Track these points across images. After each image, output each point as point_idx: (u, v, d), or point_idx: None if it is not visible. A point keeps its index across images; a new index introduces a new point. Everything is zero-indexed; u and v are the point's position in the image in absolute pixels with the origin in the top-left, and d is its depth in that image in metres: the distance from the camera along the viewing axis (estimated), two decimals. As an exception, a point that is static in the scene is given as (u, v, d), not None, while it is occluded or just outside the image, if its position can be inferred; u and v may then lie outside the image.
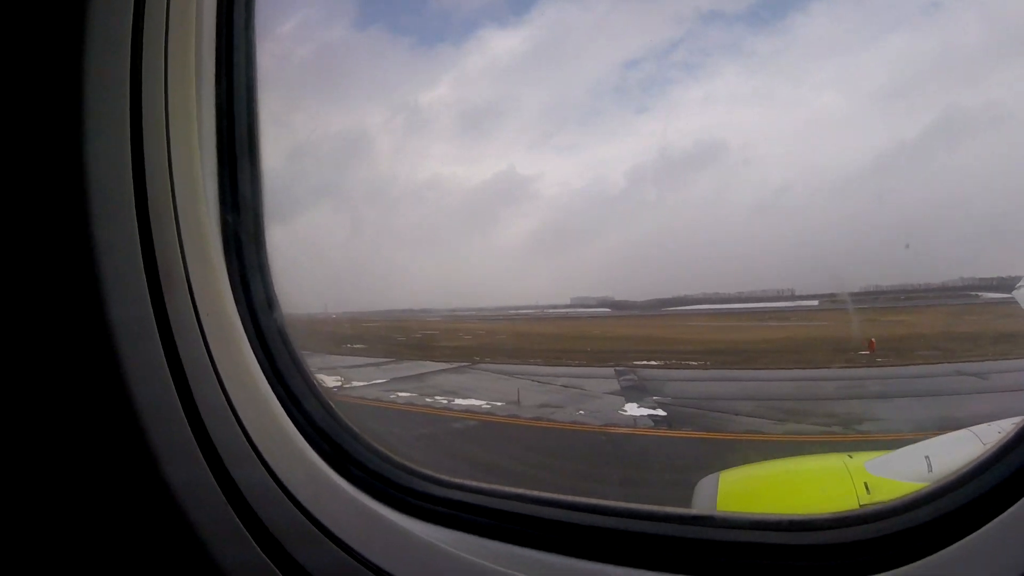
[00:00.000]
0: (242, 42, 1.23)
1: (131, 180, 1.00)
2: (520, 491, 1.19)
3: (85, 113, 0.96)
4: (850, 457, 2.93)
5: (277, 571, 1.02)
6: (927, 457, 2.67)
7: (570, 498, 1.15)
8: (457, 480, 1.23)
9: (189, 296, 1.04)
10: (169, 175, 1.04)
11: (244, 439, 1.06)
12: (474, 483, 1.22)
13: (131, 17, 1.00)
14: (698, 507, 2.86)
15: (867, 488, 2.58)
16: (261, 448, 1.07)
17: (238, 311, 1.14)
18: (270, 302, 1.22)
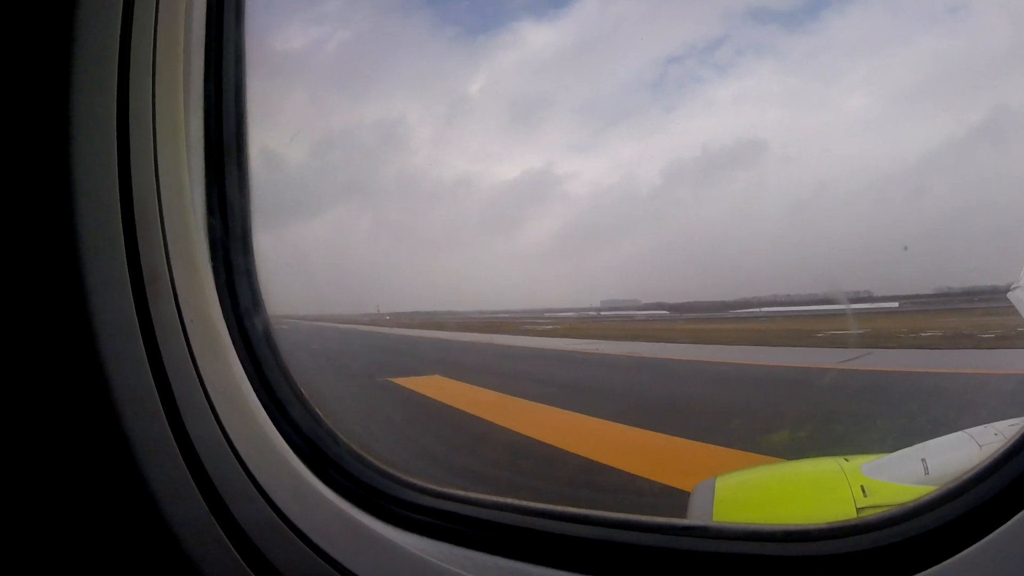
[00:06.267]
0: (232, 43, 1.22)
1: (116, 182, 0.99)
2: (509, 501, 1.17)
3: (71, 114, 0.95)
4: (846, 460, 2.92)
5: None
6: (923, 460, 2.65)
7: (561, 508, 1.12)
8: (446, 490, 1.20)
9: (174, 301, 1.03)
10: (155, 177, 1.03)
11: (228, 447, 1.04)
12: (463, 493, 1.20)
13: (119, 18, 0.98)
14: (694, 512, 2.84)
15: (864, 491, 2.56)
16: (245, 456, 1.05)
17: (224, 317, 1.12)
18: (257, 307, 1.21)
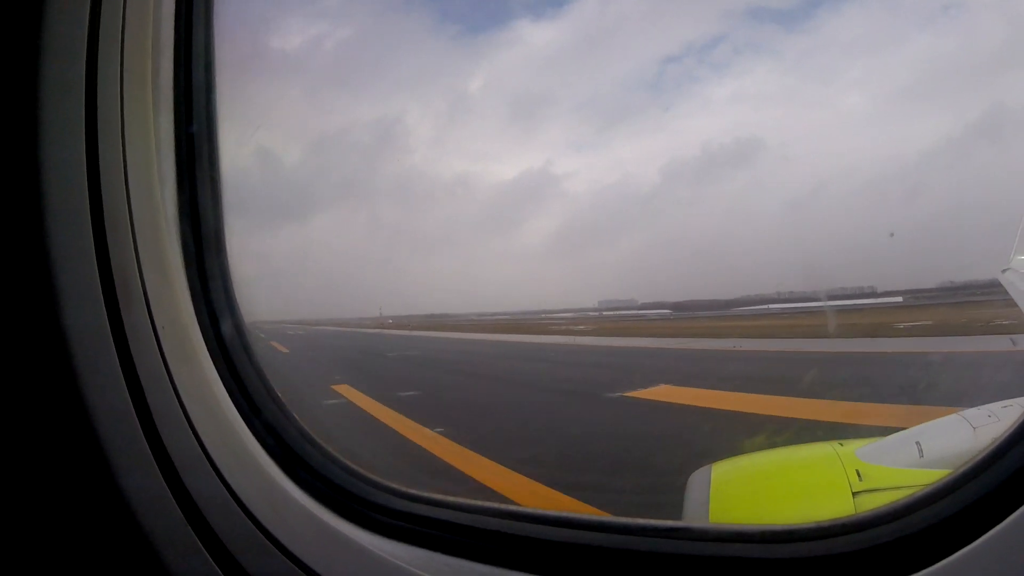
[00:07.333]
0: (201, 45, 1.20)
1: (86, 185, 0.98)
2: (488, 505, 1.15)
3: (38, 115, 0.94)
4: (840, 444, 2.93)
5: None
6: (917, 443, 2.66)
7: (542, 512, 1.10)
8: (422, 493, 1.19)
9: (146, 308, 1.01)
10: (125, 180, 1.02)
11: (201, 451, 1.04)
12: (440, 496, 1.18)
13: (87, 20, 0.97)
14: (691, 500, 2.85)
15: (859, 475, 2.57)
16: (218, 461, 1.05)
17: (198, 322, 1.11)
18: (231, 312, 1.19)
